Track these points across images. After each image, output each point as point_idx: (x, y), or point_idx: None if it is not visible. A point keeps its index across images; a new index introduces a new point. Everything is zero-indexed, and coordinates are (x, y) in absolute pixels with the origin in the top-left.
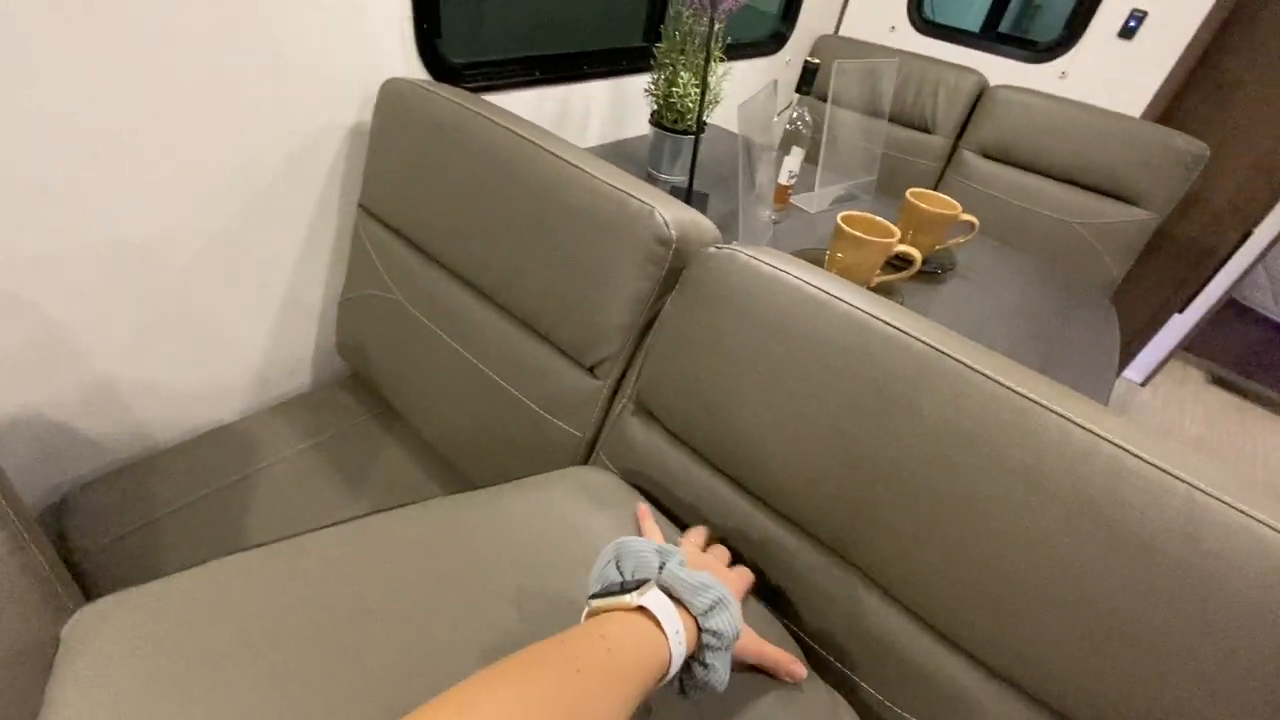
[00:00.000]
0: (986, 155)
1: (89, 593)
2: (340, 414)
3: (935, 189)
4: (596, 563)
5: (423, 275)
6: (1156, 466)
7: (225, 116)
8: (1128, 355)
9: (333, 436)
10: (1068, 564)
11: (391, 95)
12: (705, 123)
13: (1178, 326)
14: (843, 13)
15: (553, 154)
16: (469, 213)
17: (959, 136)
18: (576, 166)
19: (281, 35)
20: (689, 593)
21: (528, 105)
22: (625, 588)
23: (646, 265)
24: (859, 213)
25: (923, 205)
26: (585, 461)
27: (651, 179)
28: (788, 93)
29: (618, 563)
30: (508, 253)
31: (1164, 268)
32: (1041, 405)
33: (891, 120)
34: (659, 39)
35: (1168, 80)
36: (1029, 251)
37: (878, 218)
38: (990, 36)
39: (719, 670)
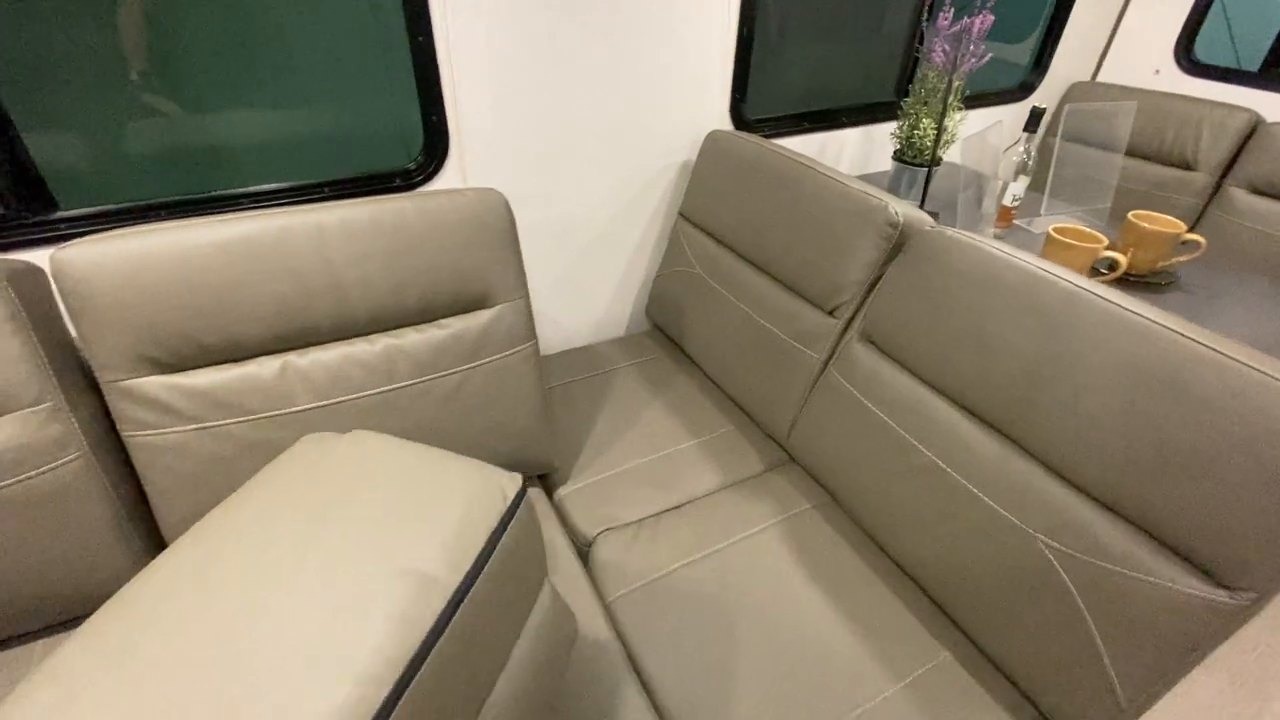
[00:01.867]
0: (1257, 191)
1: None
2: (650, 350)
3: (1196, 225)
4: None
5: (717, 256)
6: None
7: (617, 150)
8: None
9: (647, 361)
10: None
11: (713, 140)
12: (940, 158)
13: None
14: (1103, 58)
15: (818, 171)
16: (756, 214)
17: (1224, 174)
18: (831, 177)
19: (652, 103)
20: None
21: (798, 146)
22: None
23: (879, 240)
24: (1073, 225)
25: (1142, 223)
26: (818, 379)
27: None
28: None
29: None
30: (780, 237)
31: None
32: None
33: (1148, 159)
34: (908, 94)
35: None
36: None
37: (1089, 229)
38: (1273, 75)
39: None
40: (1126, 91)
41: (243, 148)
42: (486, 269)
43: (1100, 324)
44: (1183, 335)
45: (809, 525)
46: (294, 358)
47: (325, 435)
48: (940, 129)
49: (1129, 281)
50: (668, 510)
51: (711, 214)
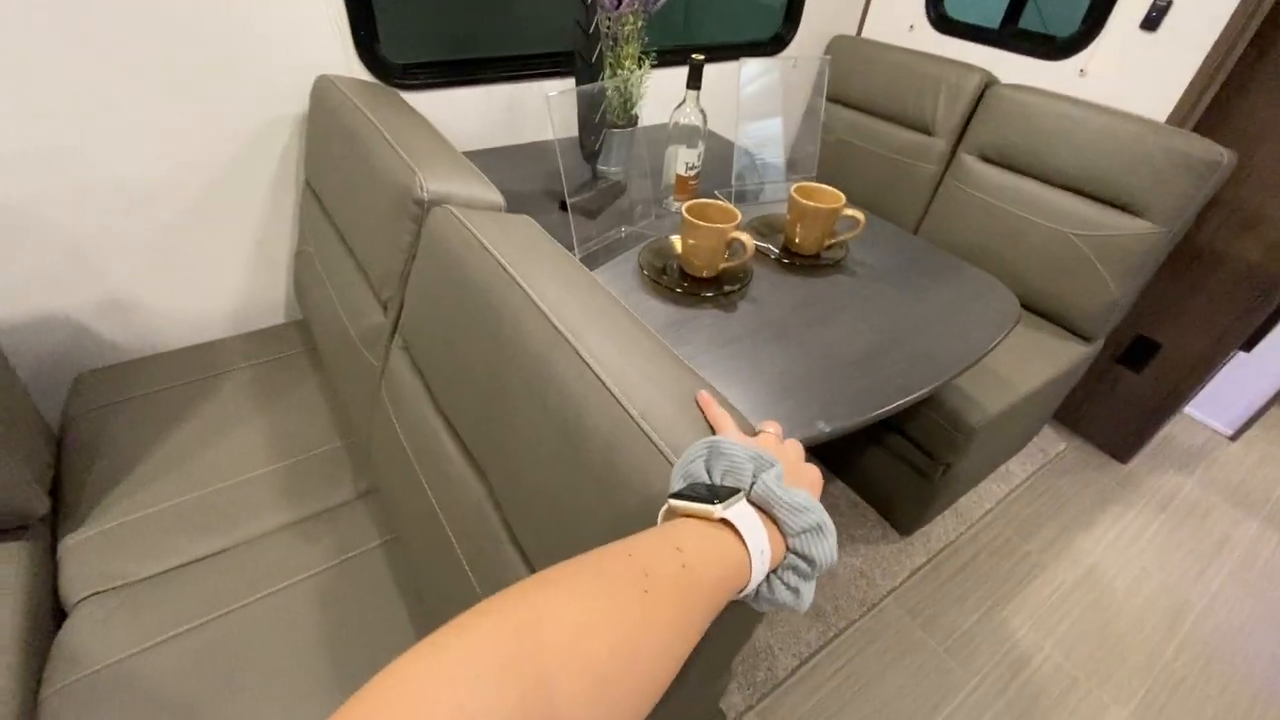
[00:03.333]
0: (986, 159)
1: (65, 443)
2: (291, 345)
3: (935, 194)
4: (683, 458)
5: (324, 233)
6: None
7: (191, 97)
8: (1180, 395)
9: (276, 360)
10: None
11: (320, 87)
12: (636, 117)
13: (1273, 371)
14: (866, 11)
15: (377, 129)
16: (341, 182)
17: (959, 139)
18: (386, 139)
19: (238, 37)
20: (787, 513)
21: (476, 100)
22: (713, 492)
23: (409, 222)
24: (716, 201)
25: (801, 199)
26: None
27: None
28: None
29: (707, 462)
30: (352, 213)
31: (1219, 296)
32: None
33: (893, 121)
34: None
35: (1198, 76)
36: (1026, 264)
37: (731, 206)
38: (1008, 33)
39: (804, 595)
40: (884, 48)
41: None
42: None
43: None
44: (592, 370)
45: (361, 572)
46: None
47: None
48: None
49: (794, 264)
50: (195, 561)
51: (322, 180)
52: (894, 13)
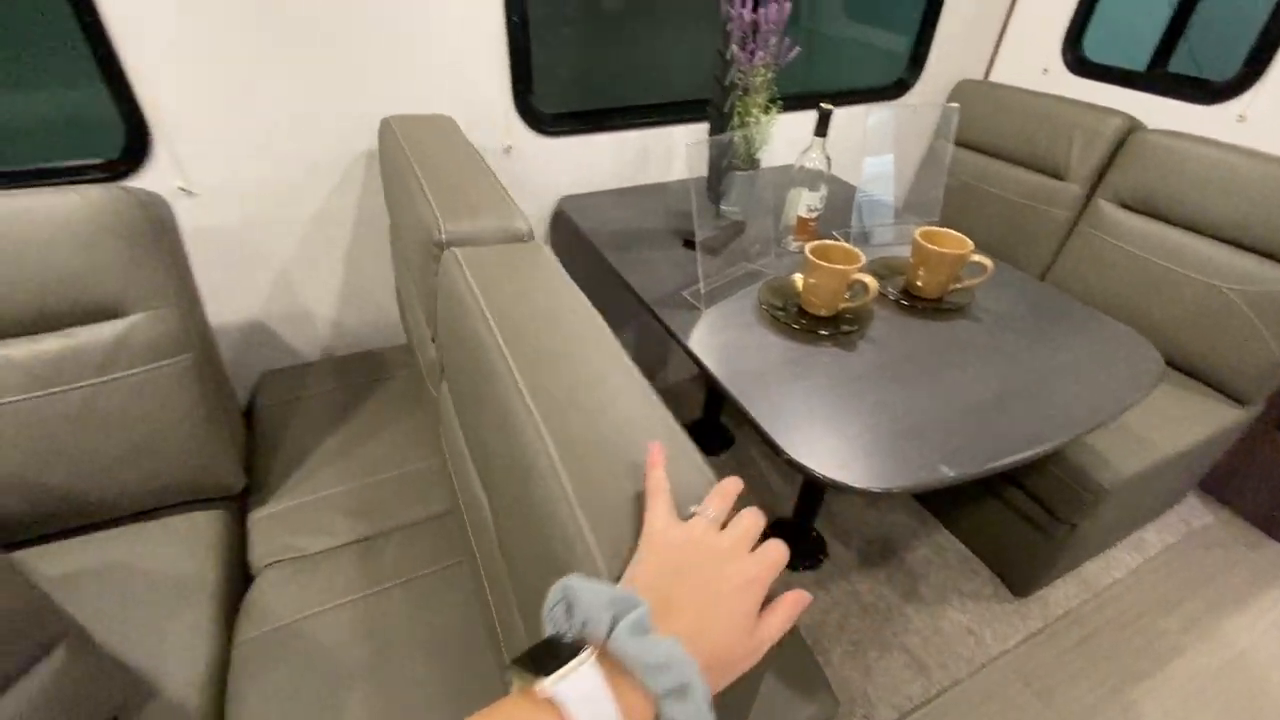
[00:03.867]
0: (1126, 206)
1: (254, 429)
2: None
3: (1066, 241)
4: (548, 598)
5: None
6: None
7: (372, 140)
8: None
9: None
10: None
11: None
12: (758, 160)
13: None
14: (995, 55)
15: (415, 173)
16: (401, 225)
17: (1096, 185)
18: (419, 180)
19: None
20: (644, 672)
21: (612, 146)
22: (560, 653)
23: (430, 263)
24: (839, 243)
25: (926, 244)
26: None
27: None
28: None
29: (568, 609)
30: (407, 246)
31: None
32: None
33: (1021, 165)
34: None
35: None
36: (1170, 318)
37: (853, 248)
38: (1156, 76)
39: None
40: (1013, 92)
41: None
42: (112, 274)
43: None
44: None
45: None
46: None
47: None
48: (739, 128)
49: (916, 307)
50: (355, 542)
51: (395, 218)
52: (1025, 55)
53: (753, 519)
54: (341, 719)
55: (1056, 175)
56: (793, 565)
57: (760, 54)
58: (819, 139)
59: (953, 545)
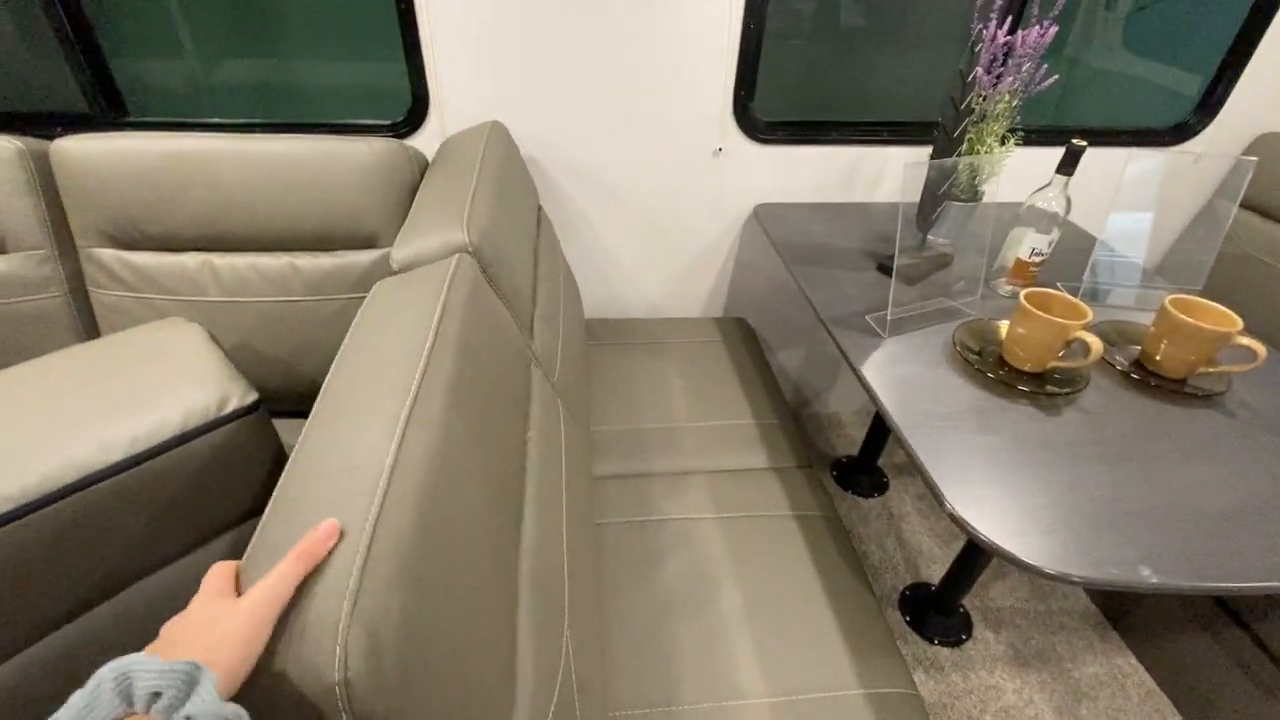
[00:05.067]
0: None
1: None
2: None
3: None
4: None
5: None
6: None
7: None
8: None
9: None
10: None
11: None
12: (981, 193)
13: None
14: None
15: None
16: None
17: None
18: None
19: (655, 90)
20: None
21: (823, 158)
22: None
23: None
24: (1062, 294)
25: (1177, 312)
26: None
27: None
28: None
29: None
30: None
31: None
32: None
33: None
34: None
35: None
36: None
37: (1080, 303)
38: None
39: None
40: None
41: (278, 88)
42: (376, 212)
43: None
44: None
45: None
46: (214, 257)
47: (172, 321)
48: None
49: (1149, 384)
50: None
51: None
52: None
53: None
54: None
55: None
56: (928, 637)
57: (1010, 79)
58: (1061, 177)
59: (1137, 675)
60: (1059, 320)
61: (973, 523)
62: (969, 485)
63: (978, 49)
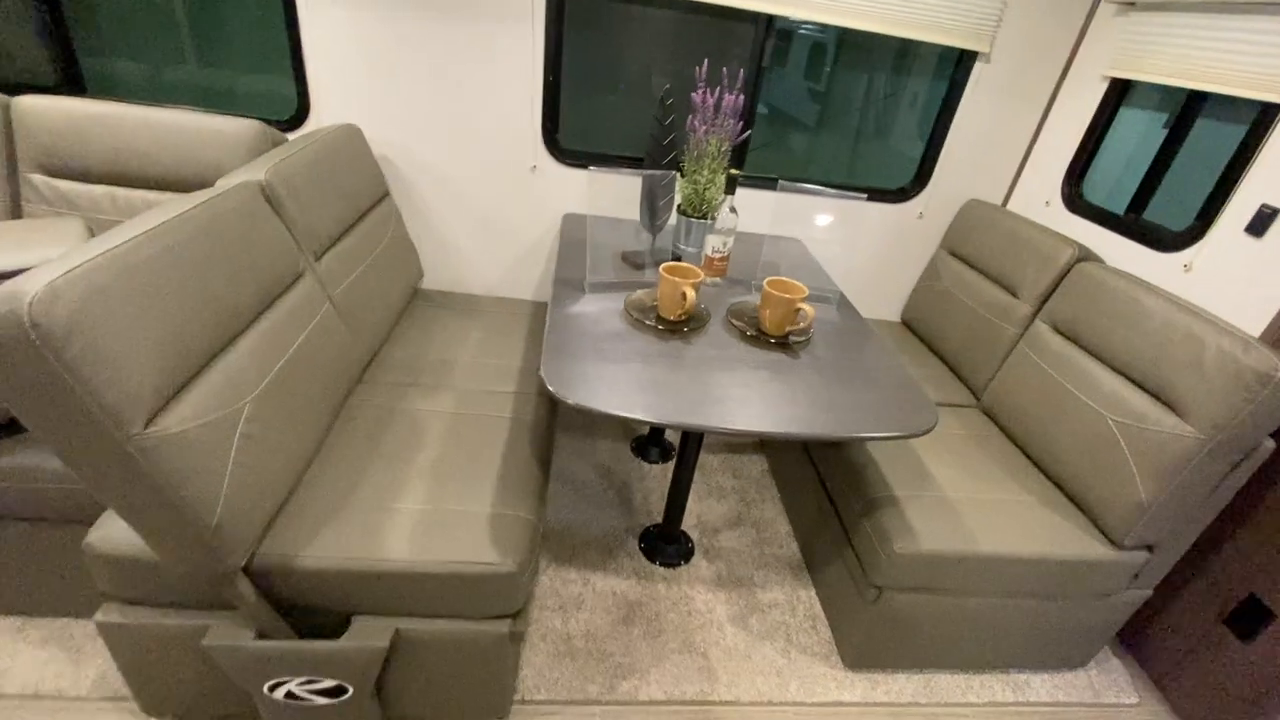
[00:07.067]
0: (1056, 329)
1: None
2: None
3: (1008, 355)
4: None
5: None
6: None
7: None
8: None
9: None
10: None
11: None
12: (710, 214)
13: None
14: (1013, 186)
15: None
16: None
17: (1040, 307)
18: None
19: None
20: None
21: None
22: None
23: None
24: (688, 266)
25: (770, 289)
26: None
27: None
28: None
29: None
30: None
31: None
32: None
33: (991, 279)
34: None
35: None
36: (1066, 443)
37: (696, 269)
38: (1129, 221)
39: None
40: (1007, 215)
41: (215, 90)
42: (236, 168)
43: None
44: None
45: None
46: (116, 190)
47: None
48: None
49: (762, 340)
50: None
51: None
52: (1034, 189)
53: None
54: None
55: (1014, 293)
56: (652, 560)
57: (704, 129)
58: (729, 197)
59: (810, 603)
60: (674, 279)
61: (548, 380)
62: (572, 364)
63: (695, 108)
